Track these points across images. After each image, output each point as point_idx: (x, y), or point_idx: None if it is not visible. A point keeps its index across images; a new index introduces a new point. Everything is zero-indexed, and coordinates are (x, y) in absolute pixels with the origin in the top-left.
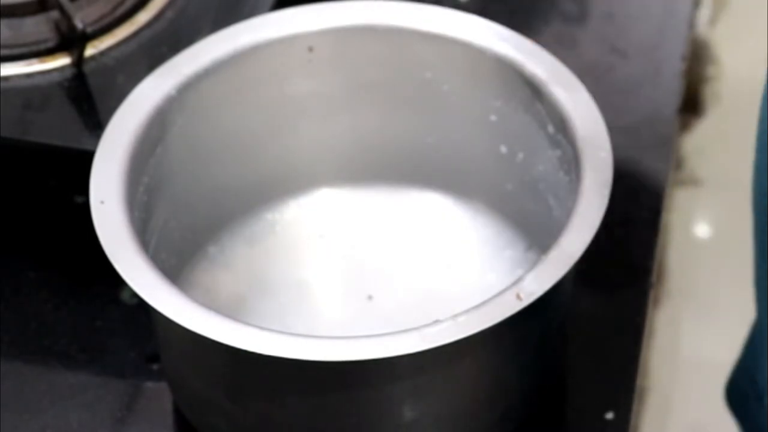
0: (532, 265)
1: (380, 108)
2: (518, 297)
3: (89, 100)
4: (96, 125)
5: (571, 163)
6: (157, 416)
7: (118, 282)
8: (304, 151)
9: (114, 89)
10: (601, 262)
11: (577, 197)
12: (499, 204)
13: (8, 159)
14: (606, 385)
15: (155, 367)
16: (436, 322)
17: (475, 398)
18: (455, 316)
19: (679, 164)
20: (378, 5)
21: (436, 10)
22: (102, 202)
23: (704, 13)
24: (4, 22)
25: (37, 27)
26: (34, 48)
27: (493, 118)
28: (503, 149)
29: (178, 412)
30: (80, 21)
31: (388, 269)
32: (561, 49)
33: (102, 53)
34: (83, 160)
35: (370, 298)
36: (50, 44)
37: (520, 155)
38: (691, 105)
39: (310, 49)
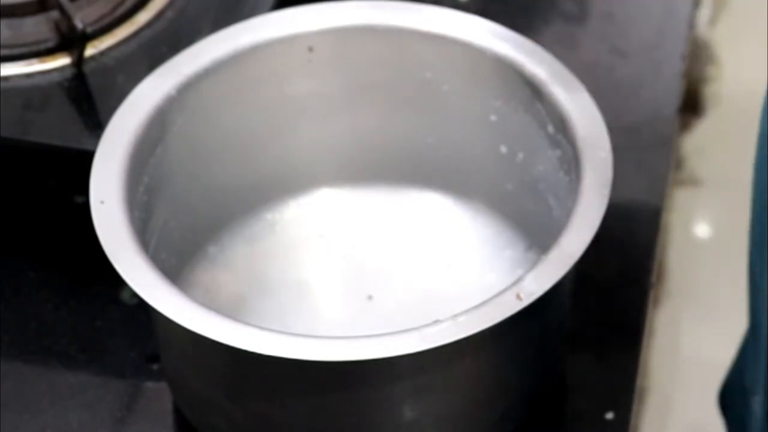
0: (532, 265)
1: (380, 108)
2: (518, 297)
3: (89, 100)
4: (96, 125)
5: (571, 163)
6: (157, 416)
7: (118, 282)
8: (304, 151)
9: (114, 89)
10: (601, 262)
11: (577, 197)
12: (499, 204)
13: (8, 159)
14: (606, 385)
15: (155, 367)
16: (436, 322)
17: (475, 398)
18: (455, 316)
19: (679, 164)
20: (378, 5)
21: (436, 10)
22: (102, 202)
23: (704, 13)
24: (4, 22)
25: (37, 27)
26: (34, 48)
27: (493, 118)
28: (503, 149)
29: (178, 412)
30: (80, 21)
31: (388, 269)
32: (561, 49)
33: (102, 53)
34: (83, 160)
35: (370, 298)
36: (50, 44)
37: (520, 155)
38: (691, 105)
39: (310, 49)
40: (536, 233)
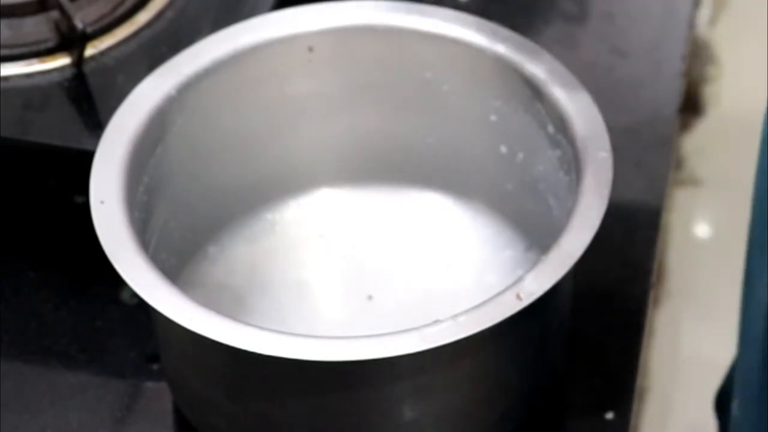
0: (532, 265)
1: (380, 108)
2: (518, 297)
3: (89, 100)
4: (96, 125)
5: (571, 163)
6: (157, 416)
7: (118, 282)
8: (304, 151)
9: (114, 89)
10: (601, 262)
11: (577, 197)
12: (499, 204)
13: (8, 159)
14: (606, 385)
15: (155, 367)
16: (436, 322)
17: (475, 398)
18: (455, 316)
19: (679, 164)
20: (378, 5)
21: (436, 10)
22: (102, 202)
23: (704, 13)
24: (4, 22)
25: (37, 27)
26: (34, 48)
27: (493, 118)
28: (503, 149)
29: (178, 412)
30: (80, 21)
31: (388, 269)
32: (561, 49)
33: (102, 53)
34: (83, 160)
35: (370, 298)
36: (50, 44)
37: (520, 155)
38: (691, 105)
39: (310, 49)
40: (536, 233)
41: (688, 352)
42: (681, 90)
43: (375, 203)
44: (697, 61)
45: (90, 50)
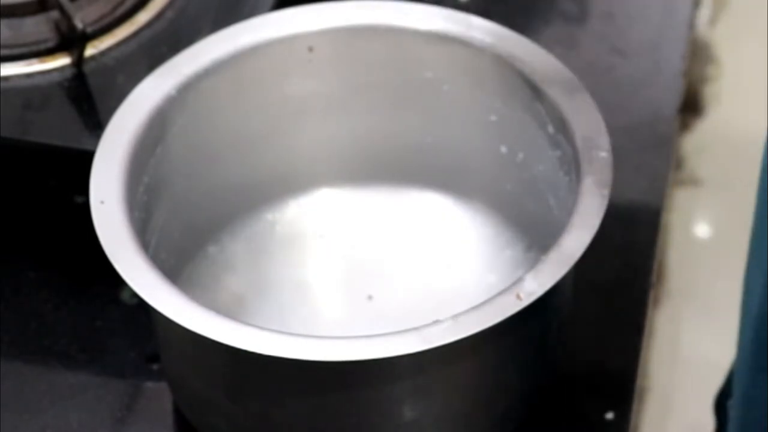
0: (532, 265)
1: (380, 108)
2: (518, 297)
3: (89, 100)
4: (96, 125)
5: (571, 163)
6: (157, 416)
7: (118, 282)
8: (304, 151)
9: (114, 89)
10: (601, 262)
11: (577, 197)
12: (499, 204)
13: (8, 159)
14: (606, 385)
15: (155, 367)
16: (436, 322)
17: (475, 398)
18: (455, 316)
19: (679, 164)
20: (378, 5)
21: (436, 10)
22: (102, 202)
23: (704, 13)
24: (4, 22)
25: (37, 27)
26: (34, 48)
27: (493, 118)
28: (503, 149)
29: (178, 412)
30: (80, 21)
31: (388, 269)
32: (561, 49)
33: (102, 53)
34: (83, 160)
35: (370, 298)
36: (50, 44)
37: (520, 155)
38: (691, 105)
39: (310, 49)
40: (536, 233)
41: (688, 352)
42: (681, 90)
43: (375, 203)
44: (697, 61)
45: (90, 50)
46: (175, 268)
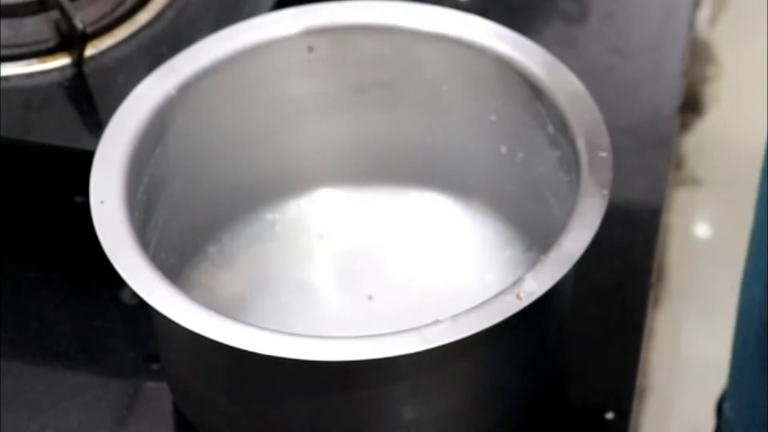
0: (532, 265)
1: (380, 108)
2: (518, 297)
3: (89, 100)
4: (96, 125)
5: (571, 163)
6: (157, 416)
7: (118, 282)
8: (304, 151)
9: (114, 89)
10: (601, 262)
11: (577, 197)
12: (498, 204)
13: (8, 159)
14: (606, 385)
15: (155, 367)
16: (436, 322)
17: (475, 398)
18: (455, 316)
19: (679, 164)
20: (378, 5)
21: (436, 10)
22: (102, 202)
23: (704, 13)
24: (4, 22)
25: (37, 27)
26: (34, 48)
27: (493, 118)
28: (503, 149)
29: (178, 412)
30: (80, 21)
31: (388, 269)
32: (561, 49)
33: (102, 53)
34: (83, 160)
35: (370, 298)
36: (50, 44)
37: (520, 155)
38: (691, 105)
39: (310, 49)
40: (536, 233)
41: (688, 352)
42: (681, 90)
43: (375, 203)
44: (697, 61)
45: (90, 50)
46: (175, 268)
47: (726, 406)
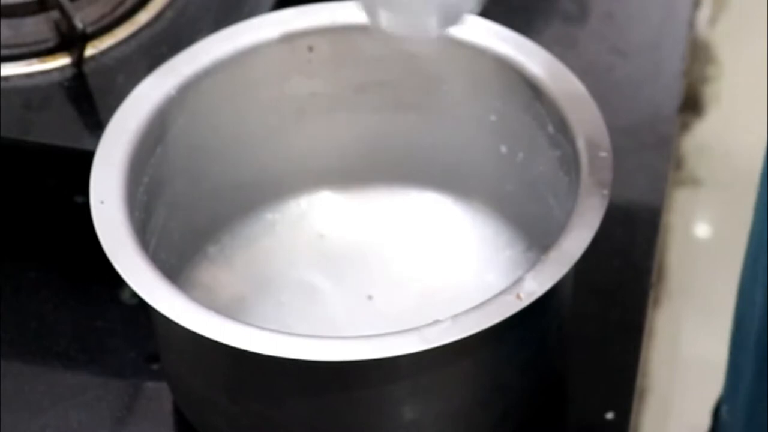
0: (532, 265)
1: (380, 108)
2: (518, 297)
3: (89, 100)
4: (96, 125)
5: (571, 163)
6: (157, 416)
7: (118, 282)
8: (304, 151)
9: (114, 89)
10: (601, 262)
11: (577, 197)
12: (498, 204)
13: (8, 159)
14: (606, 385)
15: (155, 367)
16: (436, 322)
17: (475, 398)
18: (455, 316)
19: (679, 164)
20: None
21: None
22: (102, 202)
23: (704, 13)
24: (4, 22)
25: (37, 27)
26: (34, 48)
27: (493, 118)
28: (503, 149)
29: (178, 412)
30: (80, 21)
31: (388, 269)
32: (561, 49)
33: (102, 53)
34: (83, 160)
35: (370, 298)
36: (50, 44)
37: (520, 155)
38: (691, 105)
39: (310, 49)
40: (536, 233)
41: (688, 352)
42: (681, 90)
43: (375, 203)
44: (697, 61)
45: (90, 50)
46: (175, 268)
47: (723, 408)
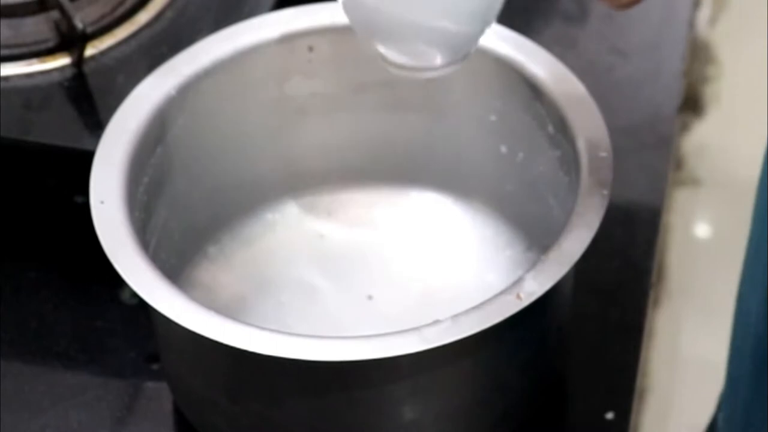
0: (532, 265)
1: (380, 108)
2: (518, 297)
3: (89, 100)
4: (96, 125)
5: (571, 163)
6: (157, 416)
7: (118, 282)
8: (305, 151)
9: (114, 89)
10: (601, 262)
11: (577, 197)
12: (498, 204)
13: (8, 159)
14: (606, 385)
15: (155, 367)
16: (436, 322)
17: (475, 398)
18: (455, 316)
19: (679, 164)
20: None
21: None
22: (102, 202)
23: (704, 13)
24: (4, 22)
25: (37, 27)
26: (34, 48)
27: (493, 118)
28: (503, 149)
29: (178, 412)
30: (80, 21)
31: (388, 269)
32: (561, 49)
33: (102, 53)
34: (83, 160)
35: (370, 298)
36: (50, 44)
37: (520, 155)
38: (691, 105)
39: (310, 49)
40: (536, 233)
41: (688, 352)
42: (681, 90)
43: (375, 203)
44: (697, 61)
45: (90, 50)
46: (175, 268)
47: (720, 417)
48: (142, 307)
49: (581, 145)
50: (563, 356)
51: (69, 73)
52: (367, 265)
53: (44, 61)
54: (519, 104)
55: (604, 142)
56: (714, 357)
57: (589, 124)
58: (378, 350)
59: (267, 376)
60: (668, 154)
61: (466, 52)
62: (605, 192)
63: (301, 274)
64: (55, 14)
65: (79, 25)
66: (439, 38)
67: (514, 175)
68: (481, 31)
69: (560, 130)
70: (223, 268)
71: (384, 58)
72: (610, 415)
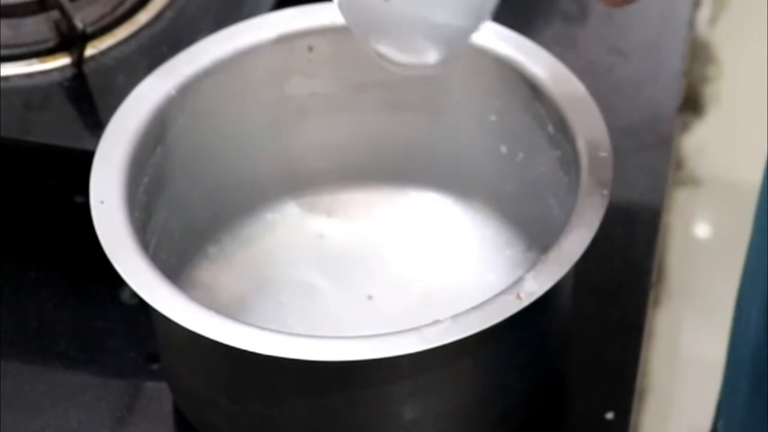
0: (532, 265)
1: (380, 108)
2: (518, 297)
3: (89, 100)
4: (96, 125)
5: (571, 163)
6: (157, 416)
7: (118, 282)
8: (305, 151)
9: (114, 89)
10: (601, 262)
11: (577, 197)
12: (498, 204)
13: (8, 159)
14: (606, 385)
15: (155, 367)
16: (436, 322)
17: (475, 398)
18: (455, 316)
19: (679, 164)
20: None
21: None
22: (102, 202)
23: (704, 13)
24: (4, 22)
25: (37, 27)
26: (34, 48)
27: (493, 118)
28: (503, 149)
29: (178, 412)
30: (80, 21)
31: (388, 269)
32: (561, 49)
33: (102, 53)
34: (83, 160)
35: (370, 298)
36: (50, 44)
37: (520, 155)
38: (691, 105)
39: (310, 49)
40: (536, 233)
41: (688, 352)
42: (681, 90)
43: (375, 203)
44: (697, 61)
45: (90, 50)
46: (175, 268)
47: (719, 425)
48: (142, 307)
49: (581, 145)
50: (563, 356)
51: (69, 73)
52: (367, 265)
53: (44, 61)
54: (519, 104)
55: (604, 142)
56: (714, 357)
57: (589, 124)
58: (378, 350)
59: (267, 376)
60: (668, 154)
61: (460, 48)
62: (605, 192)
63: (301, 274)
64: (55, 14)
65: (79, 25)
66: (434, 33)
67: (514, 175)
68: (476, 27)
69: (560, 130)
70: (223, 268)
71: (379, 55)
72: (610, 415)
